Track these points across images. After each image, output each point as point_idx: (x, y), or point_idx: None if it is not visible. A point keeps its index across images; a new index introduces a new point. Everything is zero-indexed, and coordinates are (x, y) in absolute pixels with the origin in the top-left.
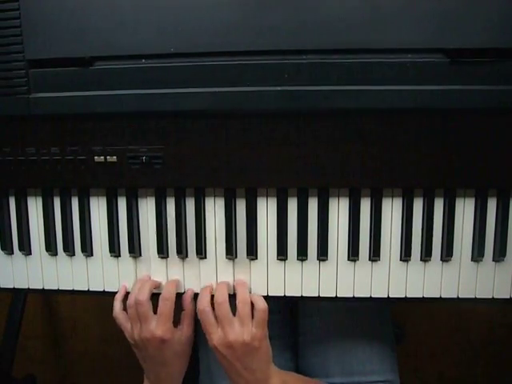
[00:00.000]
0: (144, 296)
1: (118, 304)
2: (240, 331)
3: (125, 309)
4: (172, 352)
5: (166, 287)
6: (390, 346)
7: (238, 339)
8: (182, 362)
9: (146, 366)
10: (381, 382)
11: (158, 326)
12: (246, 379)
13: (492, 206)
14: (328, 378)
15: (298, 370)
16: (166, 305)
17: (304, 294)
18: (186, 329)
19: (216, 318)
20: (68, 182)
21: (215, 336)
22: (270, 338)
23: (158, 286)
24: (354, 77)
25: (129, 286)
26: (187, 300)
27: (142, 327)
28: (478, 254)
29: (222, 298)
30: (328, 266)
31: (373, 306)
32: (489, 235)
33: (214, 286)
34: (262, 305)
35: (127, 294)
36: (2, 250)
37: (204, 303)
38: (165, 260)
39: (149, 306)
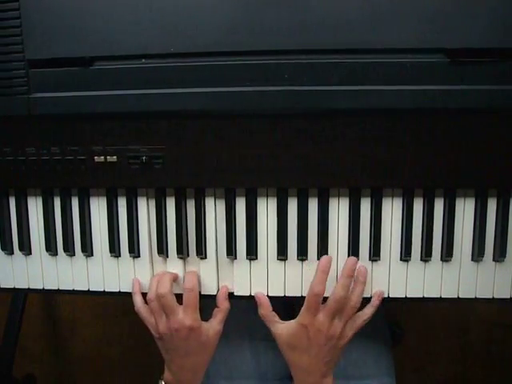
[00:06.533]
0: (166, 288)
1: (138, 298)
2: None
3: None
4: (198, 342)
5: (188, 277)
6: (385, 349)
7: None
8: (206, 352)
9: (168, 358)
10: None
11: (185, 316)
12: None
13: (492, 206)
14: None
15: None
16: (191, 295)
17: (304, 294)
18: (215, 323)
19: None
20: (68, 182)
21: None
22: (271, 339)
23: (176, 277)
24: (354, 77)
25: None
26: (222, 298)
27: (169, 319)
28: (478, 254)
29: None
30: None
31: None
32: (489, 235)
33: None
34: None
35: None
36: (2, 250)
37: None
38: (165, 260)
39: (172, 298)
